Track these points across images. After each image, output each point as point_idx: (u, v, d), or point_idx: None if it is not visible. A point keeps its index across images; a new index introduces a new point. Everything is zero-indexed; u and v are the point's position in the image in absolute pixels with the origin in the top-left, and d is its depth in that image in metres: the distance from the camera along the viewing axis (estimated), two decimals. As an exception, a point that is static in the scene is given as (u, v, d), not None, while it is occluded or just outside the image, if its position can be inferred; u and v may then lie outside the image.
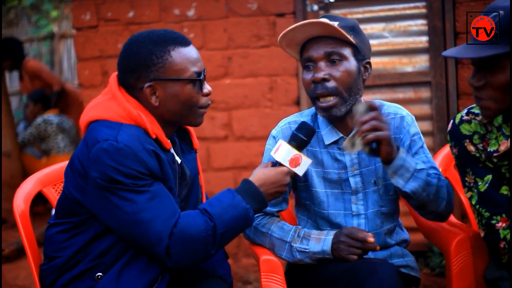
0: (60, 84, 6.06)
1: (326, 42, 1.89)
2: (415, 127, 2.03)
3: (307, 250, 1.94)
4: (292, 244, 1.96)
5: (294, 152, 1.82)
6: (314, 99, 1.93)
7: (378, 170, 1.99)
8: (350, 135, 1.83)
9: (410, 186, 1.84)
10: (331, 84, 1.88)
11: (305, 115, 2.06)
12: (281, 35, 1.93)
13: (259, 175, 1.80)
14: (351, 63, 1.90)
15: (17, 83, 8.52)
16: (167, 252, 1.67)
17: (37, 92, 5.95)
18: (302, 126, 1.86)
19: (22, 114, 8.25)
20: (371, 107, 1.82)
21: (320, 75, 1.88)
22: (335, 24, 1.87)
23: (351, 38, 1.88)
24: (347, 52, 1.90)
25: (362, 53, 1.93)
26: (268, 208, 2.02)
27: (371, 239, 1.87)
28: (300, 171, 1.83)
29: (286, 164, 1.82)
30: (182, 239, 1.67)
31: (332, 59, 1.89)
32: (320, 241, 1.93)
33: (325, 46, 1.89)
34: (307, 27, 1.89)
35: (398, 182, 1.84)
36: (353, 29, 1.91)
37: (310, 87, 1.92)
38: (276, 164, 1.84)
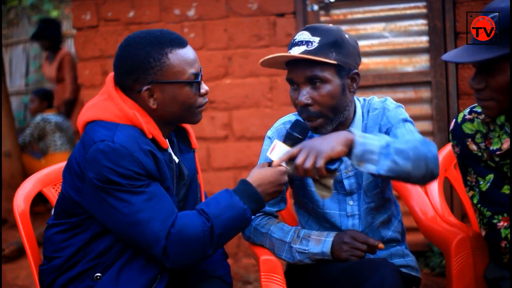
0: (74, 93, 5.89)
1: (306, 65, 1.85)
2: (397, 113, 1.94)
3: (307, 251, 1.93)
4: (291, 244, 1.96)
5: None
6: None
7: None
8: (315, 188, 1.78)
9: (384, 166, 1.68)
10: (314, 108, 1.86)
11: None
12: (260, 61, 1.91)
13: (256, 176, 1.79)
14: (334, 84, 1.86)
15: (17, 83, 8.53)
16: (165, 252, 1.66)
17: (44, 90, 5.88)
18: (296, 124, 1.85)
19: (23, 114, 8.24)
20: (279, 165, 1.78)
21: (303, 100, 1.86)
22: (316, 40, 1.83)
23: (331, 60, 1.83)
24: (328, 73, 1.85)
25: (346, 68, 1.88)
26: (267, 208, 2.03)
27: (382, 245, 1.88)
28: None
29: (283, 163, 1.81)
30: (179, 240, 1.66)
31: (314, 82, 1.85)
32: (319, 242, 1.93)
33: (305, 70, 1.85)
34: (284, 56, 1.87)
35: (369, 168, 1.69)
36: (335, 44, 1.85)
37: (296, 107, 1.91)
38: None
